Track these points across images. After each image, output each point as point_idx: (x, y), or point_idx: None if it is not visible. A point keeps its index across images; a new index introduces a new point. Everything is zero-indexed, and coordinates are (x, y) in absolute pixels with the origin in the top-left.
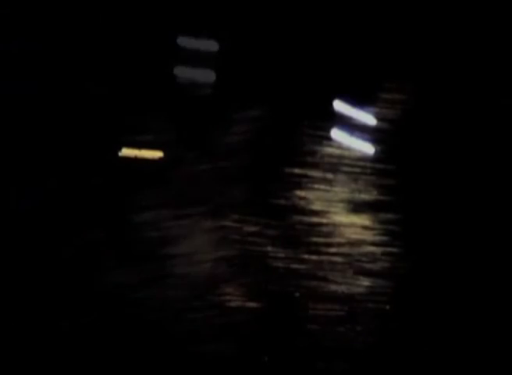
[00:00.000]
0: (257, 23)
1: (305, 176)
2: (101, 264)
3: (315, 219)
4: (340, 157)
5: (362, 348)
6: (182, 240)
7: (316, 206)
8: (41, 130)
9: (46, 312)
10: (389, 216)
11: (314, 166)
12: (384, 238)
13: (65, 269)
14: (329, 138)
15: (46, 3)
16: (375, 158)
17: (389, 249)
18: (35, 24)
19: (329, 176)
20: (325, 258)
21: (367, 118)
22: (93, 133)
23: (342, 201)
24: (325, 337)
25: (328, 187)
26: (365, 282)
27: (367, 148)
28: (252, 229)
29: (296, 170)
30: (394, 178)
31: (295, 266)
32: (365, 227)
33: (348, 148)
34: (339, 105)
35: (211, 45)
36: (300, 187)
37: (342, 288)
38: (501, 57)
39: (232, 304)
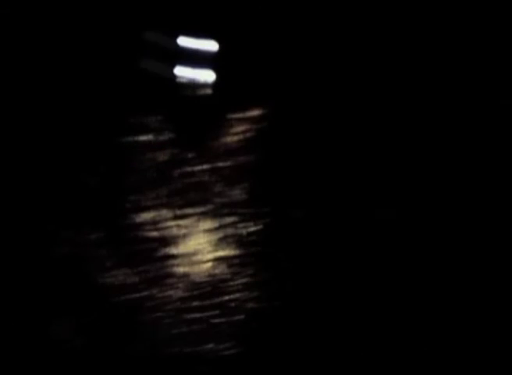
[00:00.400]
0: (256, 24)
1: (304, 175)
2: (101, 264)
3: (315, 219)
4: None
5: (361, 347)
6: (182, 240)
7: (316, 206)
8: (42, 131)
9: (46, 311)
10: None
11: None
12: None
13: (66, 269)
14: None
15: (47, 4)
16: None
17: None
18: (35, 24)
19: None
20: (324, 257)
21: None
22: (93, 134)
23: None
24: (324, 337)
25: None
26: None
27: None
28: (252, 229)
29: (296, 170)
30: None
31: (295, 265)
32: None
33: None
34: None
35: (211, 45)
36: (300, 186)
37: (343, 288)
38: (500, 58)
39: (232, 304)
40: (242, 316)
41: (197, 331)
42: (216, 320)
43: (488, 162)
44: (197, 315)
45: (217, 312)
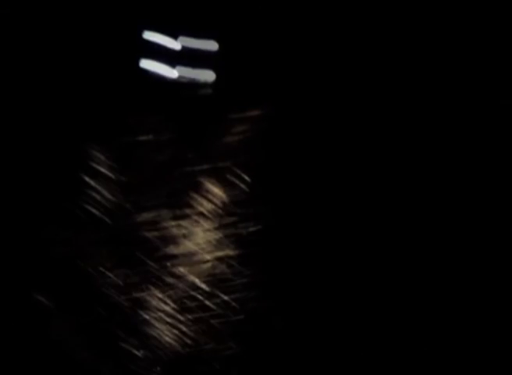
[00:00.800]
0: (256, 24)
1: (304, 175)
2: (101, 264)
3: (315, 219)
4: None
5: (361, 347)
6: (182, 240)
7: (316, 206)
8: (41, 130)
9: (46, 311)
10: None
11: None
12: None
13: (66, 269)
14: None
15: (47, 4)
16: None
17: None
18: (35, 24)
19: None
20: (325, 257)
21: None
22: (93, 134)
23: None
24: (324, 337)
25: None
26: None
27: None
28: (252, 229)
29: (296, 170)
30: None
31: (295, 265)
32: None
33: None
34: None
35: (211, 45)
36: (300, 186)
37: (343, 288)
38: (500, 58)
39: (232, 304)
40: (242, 316)
41: (197, 331)
42: (216, 320)
43: (489, 162)
44: (197, 315)
45: (217, 312)
